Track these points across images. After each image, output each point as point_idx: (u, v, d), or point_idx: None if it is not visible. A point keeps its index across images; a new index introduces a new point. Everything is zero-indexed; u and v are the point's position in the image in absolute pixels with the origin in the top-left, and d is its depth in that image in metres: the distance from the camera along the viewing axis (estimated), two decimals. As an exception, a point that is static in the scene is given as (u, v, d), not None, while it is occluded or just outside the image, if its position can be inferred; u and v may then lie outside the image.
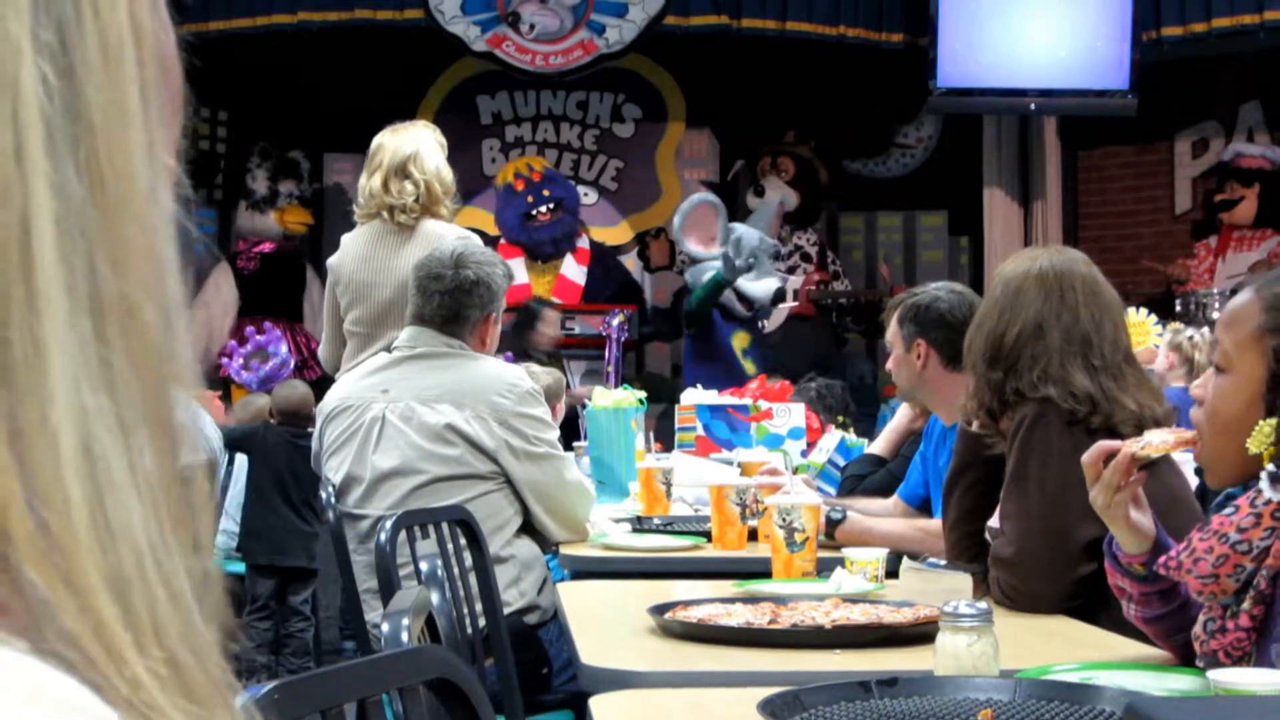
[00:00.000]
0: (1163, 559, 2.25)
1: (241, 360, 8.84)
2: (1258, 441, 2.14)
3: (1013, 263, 3.20)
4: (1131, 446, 2.44)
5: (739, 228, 9.12)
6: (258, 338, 9.03)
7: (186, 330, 0.54)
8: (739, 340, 9.13)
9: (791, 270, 10.03)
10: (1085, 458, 2.49)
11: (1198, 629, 2.18)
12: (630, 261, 10.35)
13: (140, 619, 0.50)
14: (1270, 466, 2.10)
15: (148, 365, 0.51)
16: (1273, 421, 2.13)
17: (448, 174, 4.73)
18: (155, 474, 0.51)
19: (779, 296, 9.08)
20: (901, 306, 3.87)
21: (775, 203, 9.64)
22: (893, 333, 3.88)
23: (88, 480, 0.49)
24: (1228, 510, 2.15)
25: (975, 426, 3.16)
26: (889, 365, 3.95)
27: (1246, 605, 2.10)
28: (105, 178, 0.51)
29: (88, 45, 0.51)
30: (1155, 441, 2.43)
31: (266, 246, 10.27)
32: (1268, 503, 2.09)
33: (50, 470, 0.48)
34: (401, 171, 4.64)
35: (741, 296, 8.99)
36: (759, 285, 9.01)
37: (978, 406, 3.11)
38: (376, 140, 4.76)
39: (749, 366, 8.88)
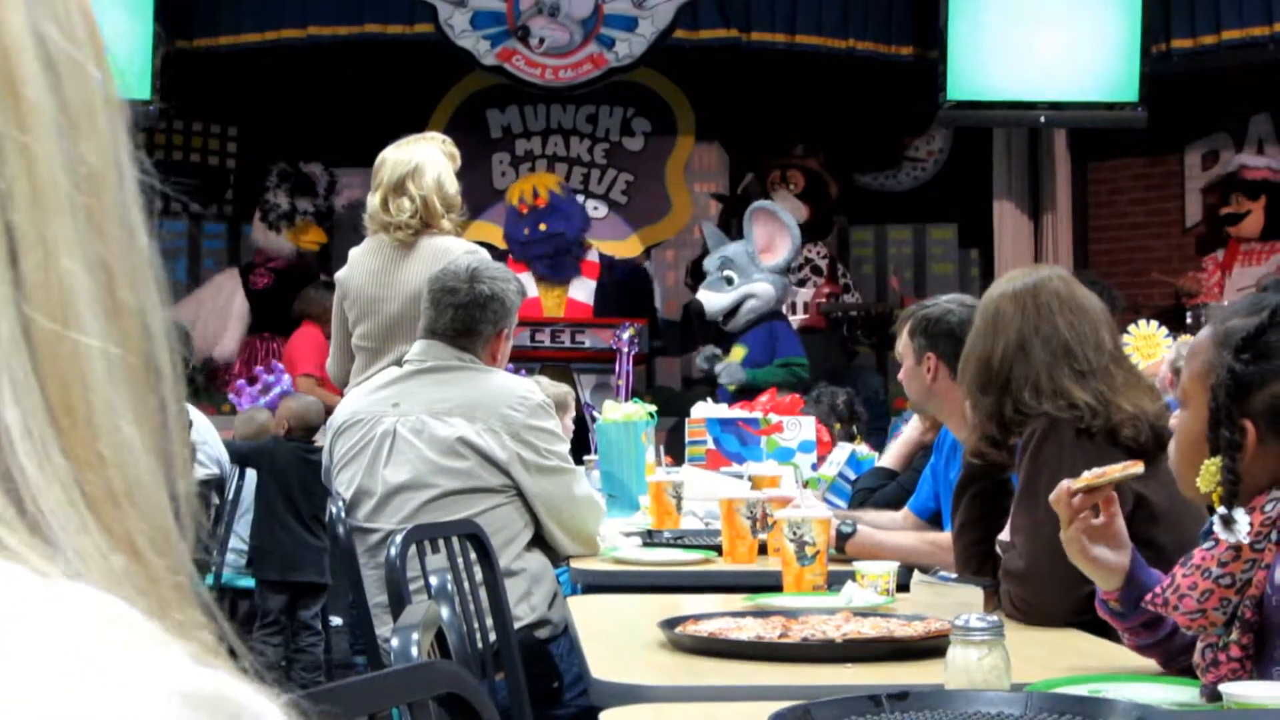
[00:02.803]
0: (1149, 595, 2.24)
1: (250, 397, 8.81)
2: (1205, 481, 2.13)
3: (991, 290, 3.22)
4: (1076, 482, 2.41)
5: (729, 246, 9.18)
6: (266, 378, 9.03)
7: (153, 266, 0.61)
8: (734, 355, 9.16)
9: (802, 283, 10.03)
10: (1050, 498, 2.47)
11: (1196, 657, 2.16)
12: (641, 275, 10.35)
13: (118, 499, 0.56)
14: (1221, 509, 2.08)
15: (126, 310, 0.58)
16: (1217, 461, 2.11)
17: (451, 187, 4.69)
18: (133, 384, 0.58)
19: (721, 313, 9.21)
20: (912, 319, 3.86)
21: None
22: (904, 345, 3.87)
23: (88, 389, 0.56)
24: (1208, 544, 2.12)
25: (982, 460, 3.15)
26: (900, 377, 3.93)
27: (1234, 636, 2.08)
28: (87, 161, 0.58)
29: (72, 48, 0.58)
30: (1095, 471, 2.40)
31: (280, 263, 10.28)
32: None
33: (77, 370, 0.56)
34: (399, 189, 4.62)
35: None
36: (707, 298, 9.16)
37: (980, 438, 3.10)
38: (380, 156, 4.75)
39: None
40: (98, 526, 0.55)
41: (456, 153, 4.81)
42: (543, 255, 9.60)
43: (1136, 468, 2.39)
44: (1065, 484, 2.41)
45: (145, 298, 0.59)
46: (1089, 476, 2.38)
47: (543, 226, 9.57)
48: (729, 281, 9.12)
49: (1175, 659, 2.41)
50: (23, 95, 0.55)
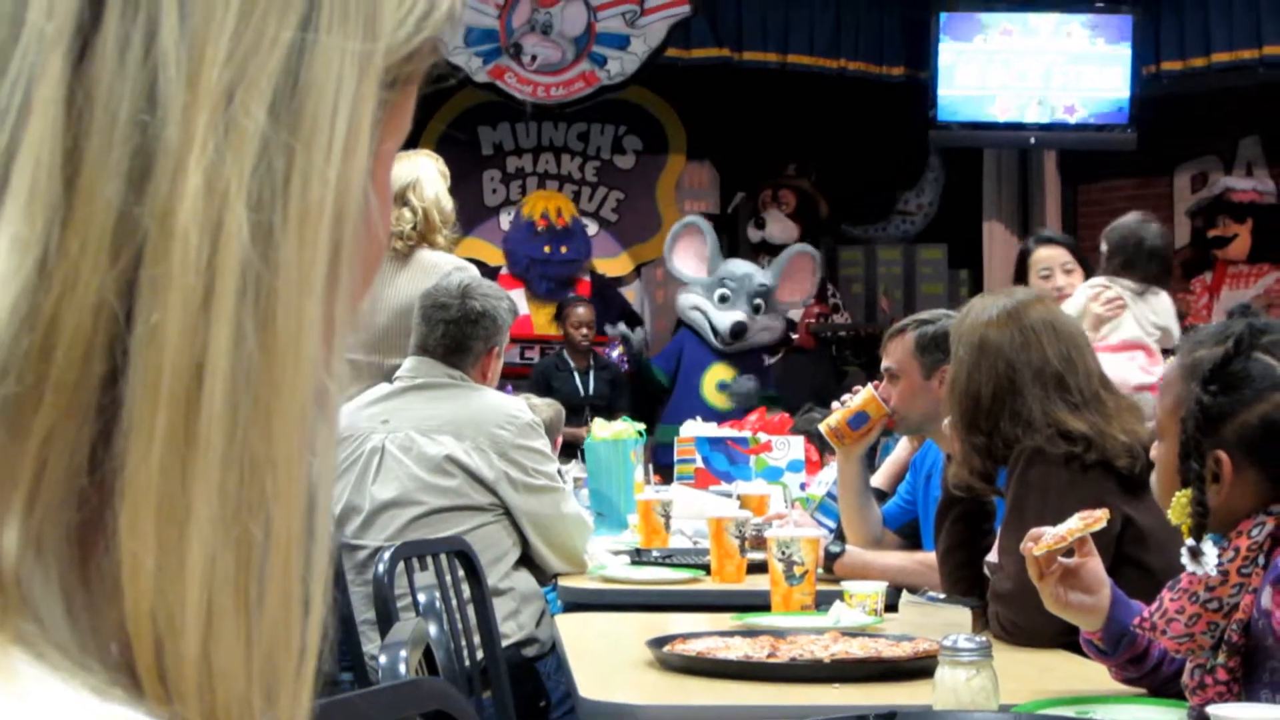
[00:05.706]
0: (1137, 619, 2.23)
1: None
2: (1176, 514, 2.12)
3: (968, 316, 3.13)
4: (1037, 547, 2.38)
5: (736, 262, 9.19)
6: None
7: (325, 512, 0.55)
8: (716, 374, 9.05)
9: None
10: (1020, 547, 2.44)
11: (1185, 678, 2.16)
12: (630, 293, 10.35)
13: None
14: (1189, 541, 2.08)
15: (281, 532, 0.52)
16: (1188, 493, 2.10)
17: (447, 203, 4.72)
18: (267, 636, 0.52)
19: (738, 330, 9.04)
20: (916, 335, 3.72)
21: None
22: (904, 362, 3.74)
23: (202, 625, 0.50)
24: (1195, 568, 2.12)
25: (967, 493, 3.11)
26: (897, 398, 3.77)
27: (1221, 659, 2.07)
28: (277, 342, 0.51)
29: (290, 207, 0.51)
30: (1060, 532, 2.35)
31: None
32: (1232, 559, 2.07)
33: (176, 604, 0.50)
34: (400, 199, 4.63)
35: (713, 328, 9.05)
36: (721, 316, 9.06)
37: (969, 473, 3.06)
38: (377, 168, 4.76)
39: (720, 400, 8.74)
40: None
41: (447, 171, 4.84)
42: (551, 276, 9.64)
43: (1099, 524, 2.36)
44: (1026, 547, 2.39)
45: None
46: (1049, 541, 2.35)
47: (564, 249, 9.66)
48: (724, 300, 9.07)
49: (1163, 689, 2.40)
50: None
